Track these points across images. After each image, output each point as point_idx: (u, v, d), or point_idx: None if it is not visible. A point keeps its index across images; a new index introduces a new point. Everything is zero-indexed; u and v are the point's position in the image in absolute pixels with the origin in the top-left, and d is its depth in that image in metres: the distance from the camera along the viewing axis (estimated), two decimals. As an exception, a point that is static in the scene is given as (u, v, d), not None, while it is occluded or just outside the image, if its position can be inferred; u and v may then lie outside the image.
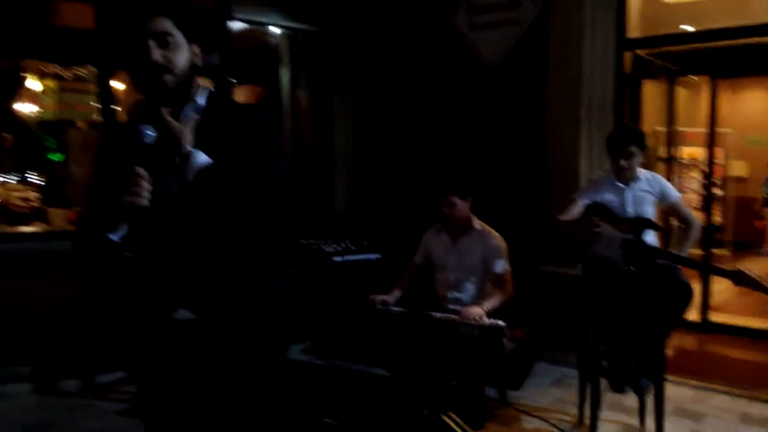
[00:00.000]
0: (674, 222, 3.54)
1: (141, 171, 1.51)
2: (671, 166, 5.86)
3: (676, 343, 5.19)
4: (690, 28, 5.01)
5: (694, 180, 7.80)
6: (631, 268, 3.28)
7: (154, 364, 1.72)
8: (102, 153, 1.75)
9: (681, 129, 7.37)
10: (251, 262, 1.67)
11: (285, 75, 5.74)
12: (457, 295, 3.66)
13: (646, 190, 3.54)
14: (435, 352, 3.32)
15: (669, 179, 5.49)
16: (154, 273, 1.66)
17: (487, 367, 3.44)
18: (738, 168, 10.15)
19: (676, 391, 4.10)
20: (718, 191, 8.72)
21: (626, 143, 3.48)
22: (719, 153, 8.67)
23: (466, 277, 3.66)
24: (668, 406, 3.79)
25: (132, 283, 1.72)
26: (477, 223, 3.71)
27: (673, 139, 5.53)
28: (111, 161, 1.65)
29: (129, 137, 1.57)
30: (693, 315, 5.64)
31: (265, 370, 1.70)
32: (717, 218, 8.78)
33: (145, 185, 1.51)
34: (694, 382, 4.23)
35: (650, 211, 3.52)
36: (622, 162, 3.47)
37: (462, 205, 3.65)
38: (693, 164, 8.19)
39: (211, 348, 1.64)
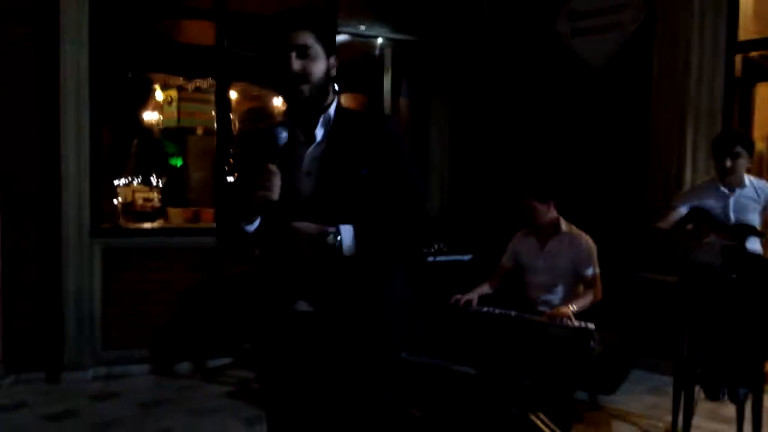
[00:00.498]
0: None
1: (273, 168, 1.63)
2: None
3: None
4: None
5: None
6: (732, 275, 3.18)
7: (274, 350, 1.84)
8: (241, 155, 1.93)
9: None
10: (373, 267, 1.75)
11: (387, 84, 5.93)
12: (548, 297, 3.67)
13: (751, 197, 3.41)
14: (523, 352, 3.35)
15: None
16: (281, 266, 1.78)
17: (574, 368, 3.43)
18: None
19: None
20: None
21: (732, 144, 3.38)
22: None
23: (555, 280, 3.67)
24: (771, 420, 3.63)
25: (260, 274, 1.87)
26: (565, 226, 3.70)
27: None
28: (249, 163, 1.81)
29: (265, 140, 1.70)
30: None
31: (375, 365, 1.77)
32: None
33: (276, 181, 1.63)
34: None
35: (754, 219, 3.40)
36: (728, 162, 3.37)
37: (542, 209, 3.64)
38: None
39: (326, 340, 1.74)
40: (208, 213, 5.32)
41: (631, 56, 4.74)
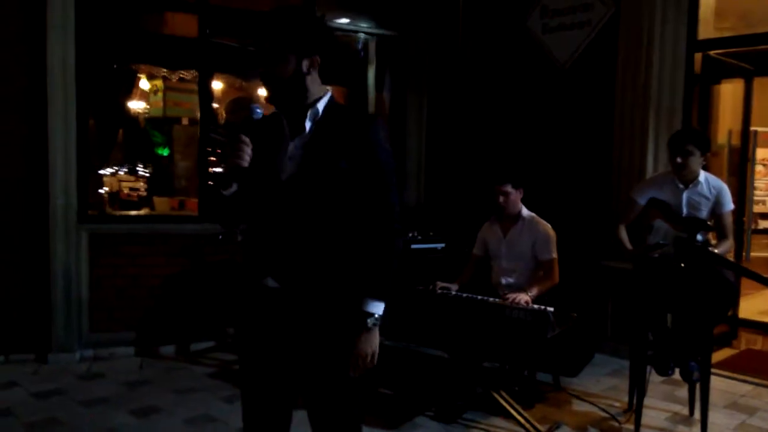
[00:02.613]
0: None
1: (243, 138, 1.81)
2: (748, 166, 5.77)
3: (744, 343, 5.18)
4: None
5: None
6: (682, 264, 3.40)
7: (246, 323, 1.97)
8: (224, 130, 2.17)
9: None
10: (338, 248, 1.86)
11: (371, 77, 6.09)
12: (509, 281, 3.88)
13: (703, 195, 3.61)
14: (485, 334, 3.55)
15: (744, 180, 5.49)
16: (255, 244, 1.93)
17: (533, 349, 3.65)
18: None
19: (733, 386, 4.17)
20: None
21: (684, 142, 3.56)
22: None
23: (516, 265, 3.88)
24: (722, 400, 3.90)
25: (242, 251, 2.03)
26: (526, 213, 3.91)
27: (748, 139, 5.45)
28: (227, 135, 2.04)
29: (243, 117, 1.87)
30: (766, 317, 5.58)
31: (337, 341, 1.85)
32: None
33: (246, 149, 1.80)
34: (755, 380, 4.26)
35: (704, 215, 3.60)
36: (679, 159, 3.56)
37: (515, 195, 3.84)
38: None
39: (291, 315, 1.86)
40: (193, 202, 5.46)
41: (598, 53, 4.95)
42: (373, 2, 5.90)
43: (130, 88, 6.83)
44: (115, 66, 6.03)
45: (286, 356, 1.91)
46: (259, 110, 1.87)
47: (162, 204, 5.75)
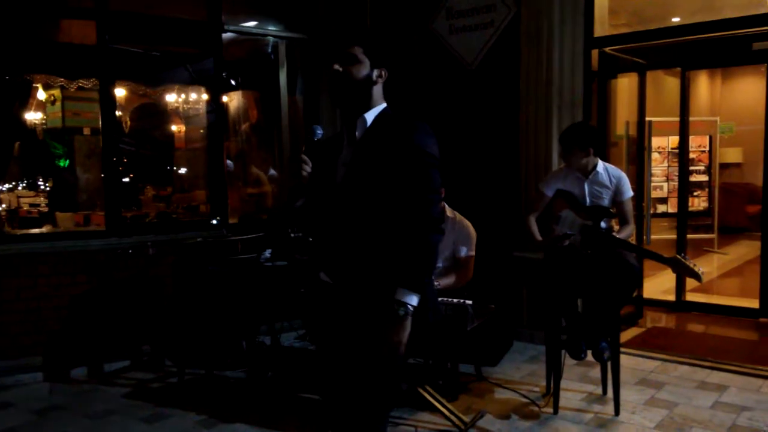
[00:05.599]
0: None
1: (304, 157, 2.02)
2: (645, 154, 6.12)
3: (650, 321, 5.49)
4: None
5: (675, 167, 8.04)
6: (588, 251, 3.58)
7: (312, 311, 2.24)
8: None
9: (668, 119, 7.68)
10: (383, 246, 1.99)
11: (282, 80, 6.03)
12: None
13: (604, 184, 3.79)
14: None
15: (642, 167, 5.81)
16: (316, 242, 2.19)
17: (454, 342, 3.73)
18: (731, 155, 10.42)
19: (641, 363, 4.41)
20: (703, 177, 9.00)
21: (564, 139, 3.79)
22: (703, 141, 8.99)
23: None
24: (633, 377, 4.12)
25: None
26: (449, 212, 4.00)
27: (644, 129, 5.78)
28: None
29: (307, 137, 2.09)
30: (669, 296, 5.93)
31: (378, 332, 1.96)
32: (704, 204, 9.06)
33: (306, 168, 2.02)
34: (661, 356, 4.51)
35: (605, 203, 3.79)
36: (565, 155, 3.79)
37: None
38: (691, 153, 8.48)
39: (341, 307, 2.05)
40: (99, 216, 5.24)
41: (502, 53, 5.11)
42: (281, 5, 5.84)
43: (25, 99, 6.48)
44: (7, 77, 5.70)
45: (340, 340, 2.09)
46: (319, 131, 2.08)
47: (65, 220, 5.49)
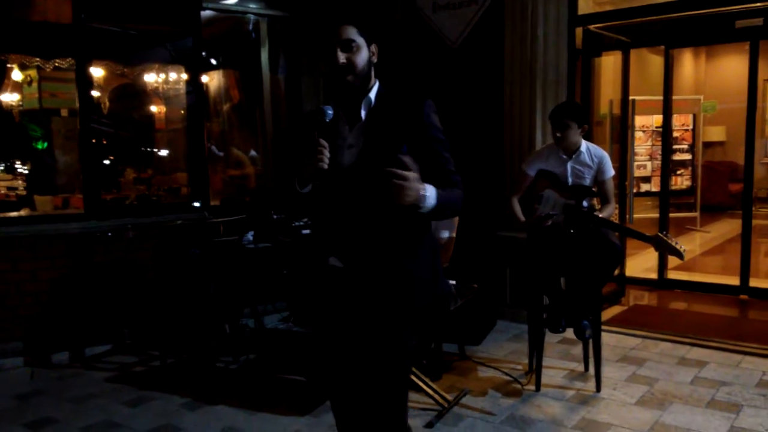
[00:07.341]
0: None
1: (323, 141, 1.88)
2: (629, 133, 6.14)
3: (632, 299, 5.54)
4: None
5: (659, 146, 8.07)
6: (570, 230, 3.58)
7: (315, 299, 2.10)
8: (296, 131, 2.15)
9: (651, 98, 7.68)
10: (401, 230, 1.94)
11: (264, 59, 5.95)
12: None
13: (586, 164, 3.79)
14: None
15: (626, 146, 5.82)
16: (321, 227, 2.05)
17: (437, 322, 3.73)
18: (714, 133, 10.48)
19: (622, 340, 4.45)
20: (686, 156, 9.06)
21: (561, 116, 3.74)
22: (686, 119, 9.02)
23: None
24: (614, 354, 4.16)
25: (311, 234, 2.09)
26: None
27: (628, 108, 5.77)
28: (300, 139, 2.02)
29: (315, 118, 1.93)
30: (651, 274, 5.98)
31: (395, 320, 1.93)
32: (687, 182, 9.13)
33: (326, 153, 1.87)
34: (642, 333, 4.56)
35: (588, 182, 3.80)
36: (558, 134, 3.74)
37: None
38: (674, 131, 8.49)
39: (352, 293, 1.96)
40: (78, 199, 5.15)
41: (486, 30, 5.06)
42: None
43: (0, 80, 6.34)
44: (-21, 57, 5.58)
45: (352, 332, 1.99)
46: (330, 111, 1.93)
47: (44, 203, 5.38)
